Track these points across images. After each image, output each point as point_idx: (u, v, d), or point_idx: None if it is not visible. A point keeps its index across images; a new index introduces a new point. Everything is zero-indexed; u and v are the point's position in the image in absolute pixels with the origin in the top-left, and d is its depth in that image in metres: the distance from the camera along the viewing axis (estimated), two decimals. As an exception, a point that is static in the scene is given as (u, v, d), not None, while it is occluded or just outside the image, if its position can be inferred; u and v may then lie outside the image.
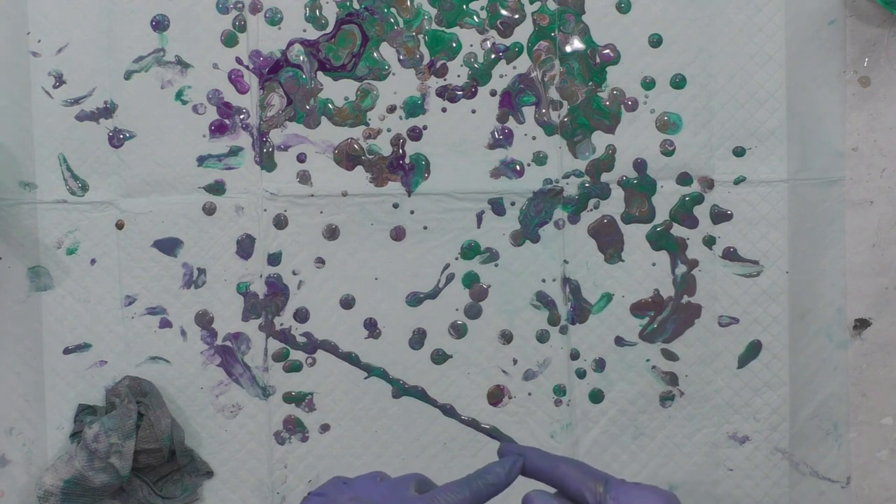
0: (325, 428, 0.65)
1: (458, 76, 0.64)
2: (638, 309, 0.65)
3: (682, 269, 0.65)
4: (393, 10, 0.64)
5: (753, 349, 0.65)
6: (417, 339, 0.65)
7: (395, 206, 0.65)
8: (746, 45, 0.64)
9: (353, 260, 0.65)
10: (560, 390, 0.65)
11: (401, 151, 0.65)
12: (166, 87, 0.64)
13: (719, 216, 0.65)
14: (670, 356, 0.65)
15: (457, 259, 0.65)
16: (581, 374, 0.65)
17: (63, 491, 0.60)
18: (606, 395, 0.65)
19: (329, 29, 0.64)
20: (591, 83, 0.64)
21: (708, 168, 0.65)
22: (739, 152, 0.64)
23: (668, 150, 0.64)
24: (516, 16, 0.64)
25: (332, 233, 0.65)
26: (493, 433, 0.65)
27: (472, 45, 0.64)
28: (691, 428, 0.65)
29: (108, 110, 0.64)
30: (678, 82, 0.64)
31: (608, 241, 0.65)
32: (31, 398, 0.64)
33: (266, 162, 0.64)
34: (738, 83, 0.64)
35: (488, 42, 0.64)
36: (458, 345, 0.65)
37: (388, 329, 0.65)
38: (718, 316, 0.65)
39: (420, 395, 0.65)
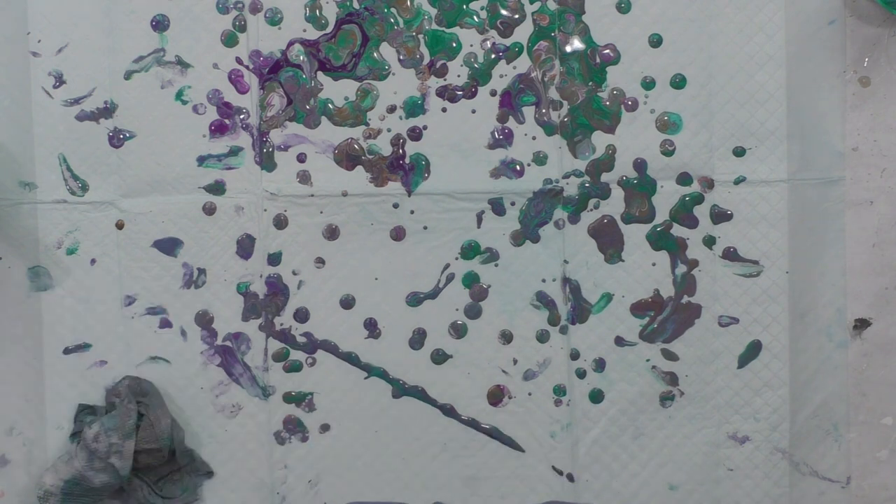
0: (325, 428, 0.65)
1: (458, 76, 0.64)
2: (638, 309, 0.65)
3: (682, 269, 0.65)
4: (393, 10, 0.64)
5: (753, 349, 0.65)
6: (417, 339, 0.65)
7: (395, 206, 0.65)
8: (746, 45, 0.64)
9: (353, 260, 0.65)
10: (560, 390, 0.65)
11: (401, 151, 0.65)
12: (166, 87, 0.64)
13: (719, 216, 0.65)
14: (670, 356, 0.65)
15: (457, 259, 0.65)
16: (581, 374, 0.65)
17: (63, 491, 0.60)
18: (606, 395, 0.65)
19: (329, 29, 0.64)
20: (591, 83, 0.64)
21: (708, 168, 0.65)
22: (739, 152, 0.64)
23: (668, 150, 0.64)
24: (516, 16, 0.64)
25: (332, 233, 0.65)
26: (493, 433, 0.65)
27: (472, 45, 0.64)
28: (691, 428, 0.65)
29: (108, 110, 0.64)
30: (678, 82, 0.64)
31: (608, 241, 0.65)
32: (31, 398, 0.64)
33: (266, 162, 0.64)
34: (738, 83, 0.64)
35: (488, 42, 0.64)
36: (458, 345, 0.65)
37: (388, 329, 0.65)
38: (718, 316, 0.65)
39: (420, 395, 0.65)
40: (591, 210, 0.65)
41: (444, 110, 0.64)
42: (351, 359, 0.65)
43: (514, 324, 0.65)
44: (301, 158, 0.64)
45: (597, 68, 0.64)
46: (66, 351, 0.64)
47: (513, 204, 0.65)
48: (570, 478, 0.65)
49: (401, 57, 0.64)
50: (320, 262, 0.65)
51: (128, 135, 0.64)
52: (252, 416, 0.65)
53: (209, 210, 0.64)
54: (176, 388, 0.64)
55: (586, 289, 0.65)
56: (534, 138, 0.64)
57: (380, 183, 0.65)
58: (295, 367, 0.65)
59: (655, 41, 0.64)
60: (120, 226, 0.64)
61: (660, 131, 0.65)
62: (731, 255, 0.65)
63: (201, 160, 0.64)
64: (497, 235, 0.65)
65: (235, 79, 0.64)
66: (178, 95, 0.64)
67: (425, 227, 0.65)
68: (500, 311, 0.65)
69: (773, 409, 0.65)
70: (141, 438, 0.61)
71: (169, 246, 0.64)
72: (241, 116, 0.64)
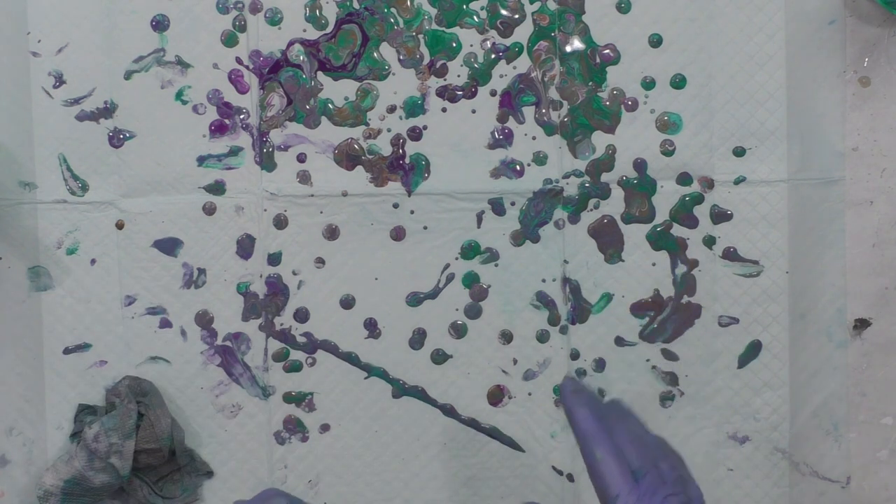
0: (325, 428, 0.65)
1: (458, 76, 0.64)
2: (638, 309, 0.65)
3: (682, 269, 0.65)
4: (393, 10, 0.64)
5: (753, 349, 0.65)
6: (417, 339, 0.65)
7: (395, 206, 0.65)
8: (746, 45, 0.64)
9: (353, 260, 0.65)
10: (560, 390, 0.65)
11: (401, 151, 0.65)
12: (166, 87, 0.64)
13: (719, 216, 0.65)
14: (670, 356, 0.65)
15: (457, 259, 0.65)
16: (581, 374, 0.65)
17: (63, 491, 0.60)
18: (606, 394, 0.65)
19: (329, 29, 0.64)
20: (591, 83, 0.64)
21: (708, 168, 0.65)
22: (739, 152, 0.64)
23: (668, 150, 0.64)
24: (516, 16, 0.64)
25: (332, 233, 0.65)
26: (493, 433, 0.65)
27: (472, 45, 0.64)
28: (691, 428, 0.65)
29: (108, 110, 0.64)
30: (678, 82, 0.64)
31: (608, 241, 0.65)
32: (31, 398, 0.64)
33: (266, 162, 0.64)
34: (738, 83, 0.64)
35: (488, 42, 0.64)
36: (458, 345, 0.65)
37: (388, 329, 0.65)
38: (718, 316, 0.65)
39: (420, 395, 0.65)
40: (591, 210, 0.65)
41: (444, 110, 0.64)
42: (351, 359, 0.65)
43: (514, 324, 0.65)
44: (301, 158, 0.64)
45: (597, 68, 0.64)
46: (66, 351, 0.64)
47: (513, 204, 0.65)
48: (570, 478, 0.65)
49: (401, 57, 0.64)
50: (320, 262, 0.65)
51: (128, 135, 0.64)
52: (252, 416, 0.65)
53: (209, 210, 0.64)
54: (176, 388, 0.64)
55: (586, 289, 0.65)
56: (534, 138, 0.65)
57: (380, 183, 0.65)
58: (295, 367, 0.65)
59: (655, 41, 0.64)
60: (120, 226, 0.64)
61: (660, 131, 0.65)
62: (731, 255, 0.65)
63: (201, 160, 0.64)
64: (497, 235, 0.65)
65: (235, 79, 0.64)
66: (178, 95, 0.64)
67: (425, 227, 0.65)
68: (500, 311, 0.65)
69: (773, 409, 0.65)
70: (141, 438, 0.61)
71: (169, 246, 0.64)
72: (241, 116, 0.64)
